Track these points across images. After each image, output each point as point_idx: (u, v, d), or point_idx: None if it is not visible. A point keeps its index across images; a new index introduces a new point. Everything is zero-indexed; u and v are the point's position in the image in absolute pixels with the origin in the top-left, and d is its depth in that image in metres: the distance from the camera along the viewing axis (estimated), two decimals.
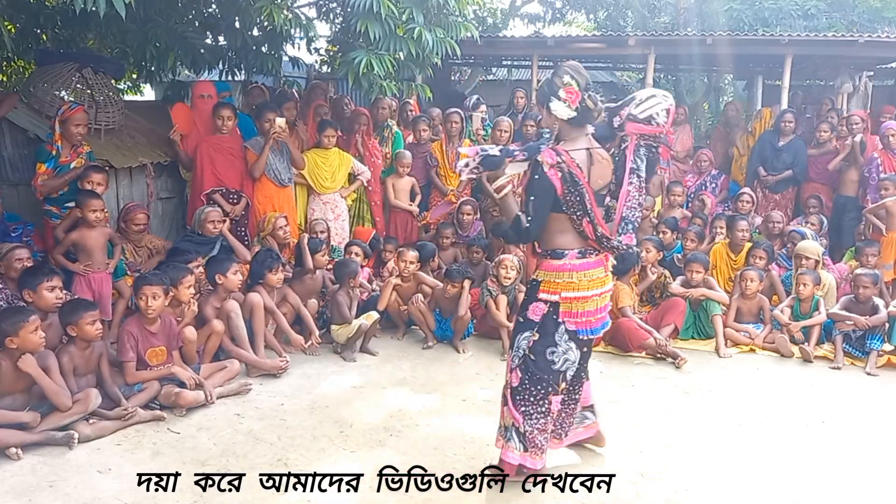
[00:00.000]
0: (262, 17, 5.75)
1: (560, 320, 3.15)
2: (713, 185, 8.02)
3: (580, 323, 3.16)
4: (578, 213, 3.03)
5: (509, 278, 5.27)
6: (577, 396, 3.43)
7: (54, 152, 4.87)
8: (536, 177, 3.00)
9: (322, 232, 5.96)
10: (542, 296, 3.14)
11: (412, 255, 5.52)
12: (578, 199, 3.01)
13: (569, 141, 3.09)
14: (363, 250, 5.86)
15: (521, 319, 3.23)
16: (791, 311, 5.52)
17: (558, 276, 3.11)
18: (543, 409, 3.21)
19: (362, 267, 5.73)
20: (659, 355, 5.15)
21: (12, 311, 3.64)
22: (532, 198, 3.02)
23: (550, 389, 3.20)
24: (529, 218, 3.02)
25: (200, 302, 4.68)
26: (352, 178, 6.52)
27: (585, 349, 3.30)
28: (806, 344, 5.22)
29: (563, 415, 3.40)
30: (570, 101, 2.99)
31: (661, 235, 6.30)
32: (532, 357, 3.18)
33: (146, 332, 4.16)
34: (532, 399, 3.21)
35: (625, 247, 3.17)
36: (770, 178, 7.48)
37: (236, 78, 7.56)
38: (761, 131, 8.05)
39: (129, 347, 4.06)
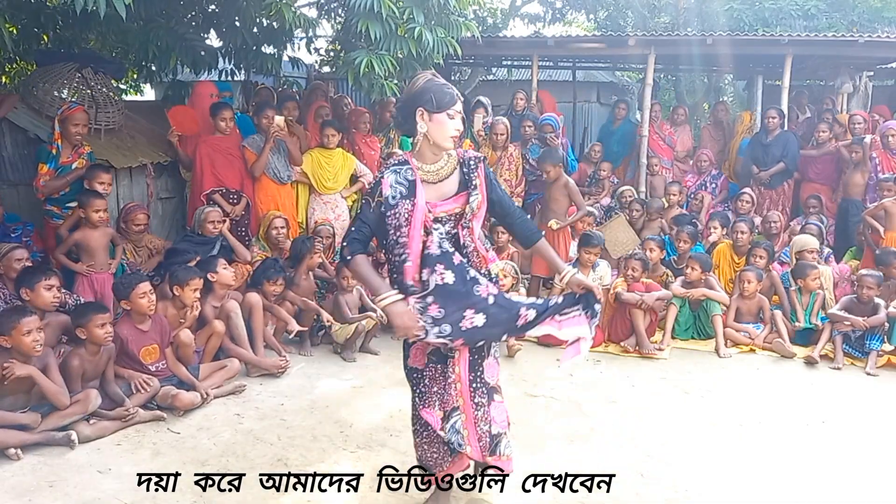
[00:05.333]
0: (271, 15, 5.75)
1: None
2: (713, 185, 8.03)
3: None
4: None
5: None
6: None
7: (55, 152, 4.87)
8: None
9: (328, 237, 5.93)
10: None
11: None
12: None
13: None
14: None
15: None
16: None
17: None
18: None
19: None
20: (657, 355, 5.16)
21: (9, 311, 3.63)
22: None
23: None
24: None
25: (199, 302, 4.67)
26: (354, 179, 6.52)
27: None
28: (813, 348, 5.20)
29: None
30: None
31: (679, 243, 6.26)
32: None
33: (138, 332, 4.15)
34: None
35: None
36: (763, 175, 7.49)
37: (236, 78, 7.57)
38: (743, 134, 8.14)
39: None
